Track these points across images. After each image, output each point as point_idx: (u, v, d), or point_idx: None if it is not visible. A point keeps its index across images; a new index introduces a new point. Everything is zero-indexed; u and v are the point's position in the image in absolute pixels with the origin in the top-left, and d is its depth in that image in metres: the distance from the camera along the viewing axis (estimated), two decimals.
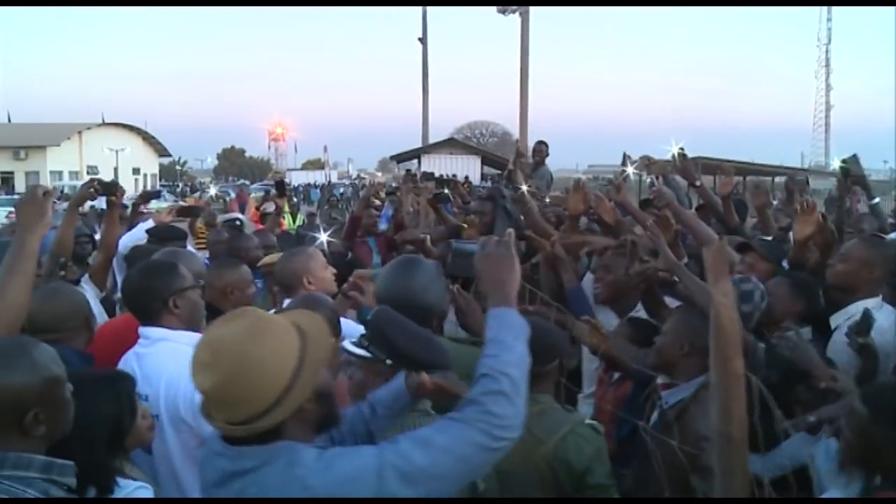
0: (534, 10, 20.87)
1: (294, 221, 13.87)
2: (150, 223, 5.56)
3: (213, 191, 18.82)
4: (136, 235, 5.46)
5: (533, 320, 2.65)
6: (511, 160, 9.19)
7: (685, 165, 5.18)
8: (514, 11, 20.50)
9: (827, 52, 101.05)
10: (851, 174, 4.96)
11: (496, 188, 6.29)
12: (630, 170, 6.09)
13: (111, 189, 4.33)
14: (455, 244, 3.21)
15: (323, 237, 5.16)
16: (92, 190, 4.26)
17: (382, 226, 7.47)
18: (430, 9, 49.00)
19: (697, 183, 5.14)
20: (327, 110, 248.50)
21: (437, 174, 18.61)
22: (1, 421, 1.81)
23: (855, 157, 5.04)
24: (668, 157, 5.43)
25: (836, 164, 5.13)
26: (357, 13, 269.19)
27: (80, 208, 4.85)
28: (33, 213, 2.46)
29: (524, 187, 7.01)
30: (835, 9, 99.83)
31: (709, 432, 2.23)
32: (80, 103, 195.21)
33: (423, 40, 48.55)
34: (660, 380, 3.36)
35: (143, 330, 2.77)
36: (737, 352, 1.92)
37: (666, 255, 3.50)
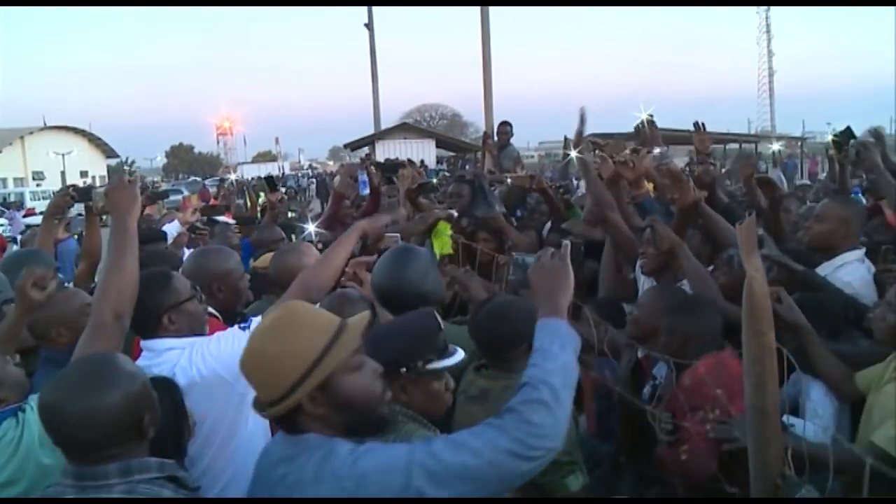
0: None
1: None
2: (175, 224, 5.59)
3: (232, 176, 17.52)
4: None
5: (495, 310, 2.83)
6: (481, 142, 9.45)
7: (653, 132, 5.29)
8: None
9: (767, 17, 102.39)
10: (861, 156, 4.34)
11: (478, 171, 6.35)
12: (574, 153, 6.15)
13: (88, 195, 4.25)
14: (517, 256, 3.20)
15: (311, 228, 5.05)
16: (68, 197, 4.23)
17: (364, 191, 7.38)
18: None
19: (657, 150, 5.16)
20: (275, 101, 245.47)
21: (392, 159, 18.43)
22: (125, 430, 1.93)
23: (849, 130, 4.55)
24: (635, 125, 5.55)
25: (829, 139, 4.87)
26: (300, 3, 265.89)
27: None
28: (127, 198, 2.66)
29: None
30: None
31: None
32: (19, 105, 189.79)
33: (369, 26, 48.18)
34: (640, 353, 3.52)
35: (144, 343, 2.67)
36: (770, 326, 1.98)
37: (668, 236, 3.58)
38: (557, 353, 1.86)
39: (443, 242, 5.07)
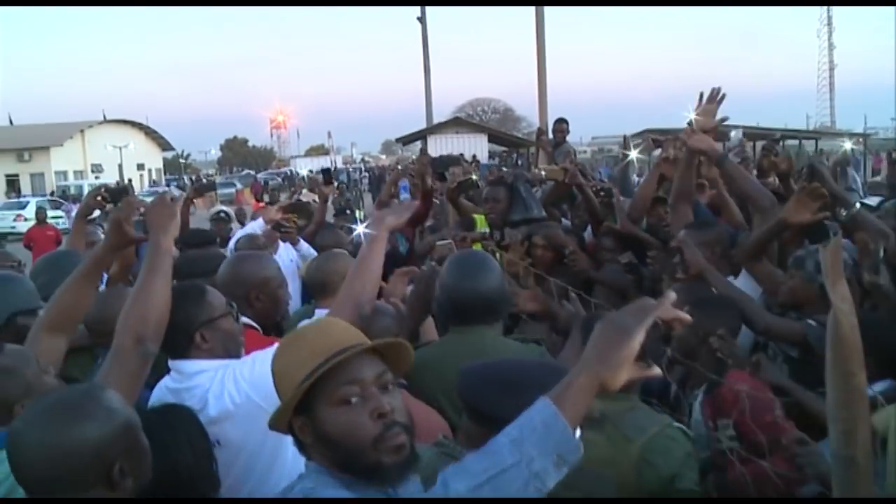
0: None
1: None
2: (259, 222, 5.35)
3: (304, 171, 16.82)
4: (247, 233, 5.27)
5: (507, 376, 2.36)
6: (535, 138, 9.15)
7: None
8: None
9: (828, 10, 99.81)
10: None
11: (517, 172, 5.82)
12: (634, 154, 5.77)
13: (121, 195, 3.90)
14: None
15: (360, 229, 4.80)
16: (100, 198, 3.97)
17: (405, 195, 7.19)
18: None
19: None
20: (328, 95, 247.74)
21: (443, 153, 18.03)
22: (86, 479, 1.69)
23: None
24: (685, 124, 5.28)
25: None
26: None
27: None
28: (164, 215, 2.50)
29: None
30: None
31: None
32: (80, 101, 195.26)
33: (421, 19, 48.07)
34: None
35: (173, 364, 2.48)
36: (860, 365, 1.64)
37: (695, 261, 3.39)
38: (507, 458, 1.47)
39: None
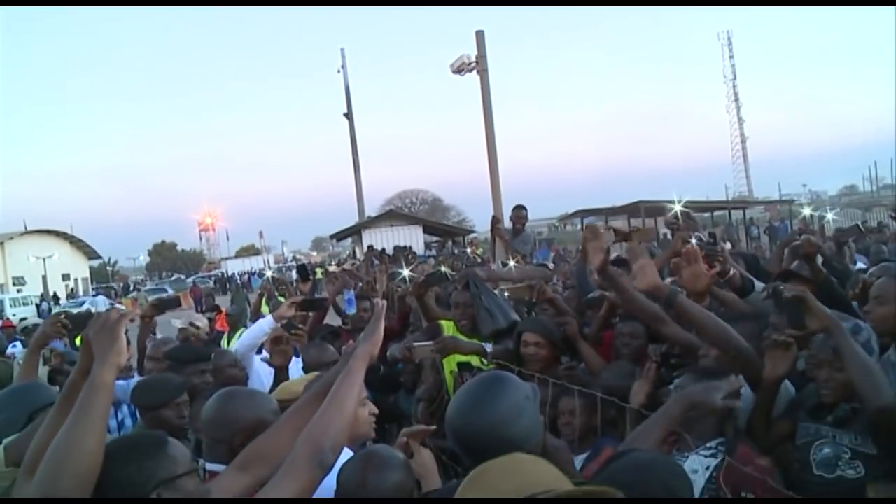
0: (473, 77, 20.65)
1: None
2: (269, 320, 4.64)
3: (269, 273, 15.86)
4: (255, 334, 4.63)
5: (637, 478, 2.04)
6: (490, 227, 8.89)
7: (687, 223, 5.16)
8: (471, 70, 20.37)
9: (734, 86, 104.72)
10: None
11: (469, 273, 5.12)
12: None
13: (85, 322, 3.60)
14: None
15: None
16: (59, 325, 3.63)
17: (351, 309, 6.76)
18: (352, 83, 49.35)
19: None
20: (256, 195, 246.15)
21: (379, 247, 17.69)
22: None
23: None
24: (672, 213, 5.33)
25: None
26: (280, 93, 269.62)
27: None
28: (104, 341, 2.09)
29: (511, 263, 6.57)
30: (735, 44, 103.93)
31: None
32: None
33: (348, 115, 48.70)
34: None
35: None
36: None
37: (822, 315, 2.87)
38: None
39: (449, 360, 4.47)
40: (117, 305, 20.95)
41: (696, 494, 2.61)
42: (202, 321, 7.10)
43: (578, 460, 3.40)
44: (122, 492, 1.95)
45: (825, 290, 3.86)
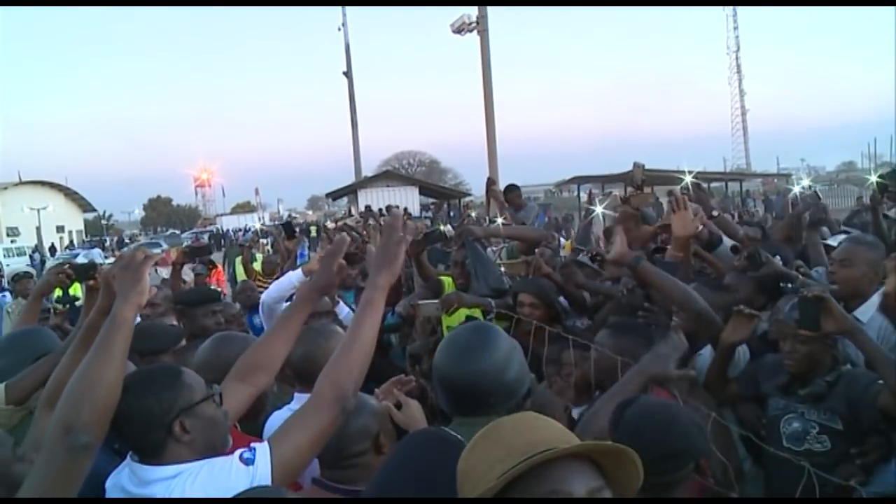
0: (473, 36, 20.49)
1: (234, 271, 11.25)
2: (298, 274, 4.54)
3: (257, 225, 15.24)
4: (283, 286, 4.49)
5: (659, 420, 2.18)
6: (485, 188, 8.79)
7: (700, 196, 5.02)
8: (471, 30, 20.22)
9: (737, 58, 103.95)
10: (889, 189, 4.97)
11: (463, 231, 4.93)
12: (599, 209, 5.65)
13: (88, 273, 3.55)
14: None
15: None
16: (63, 276, 3.62)
17: (303, 259, 6.62)
18: (352, 42, 48.88)
19: (715, 213, 4.88)
20: (253, 152, 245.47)
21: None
22: None
23: (894, 172, 4.99)
24: (682, 185, 5.31)
25: (873, 179, 5.34)
26: (280, 51, 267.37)
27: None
28: (128, 280, 2.12)
29: (499, 220, 6.50)
30: (740, 16, 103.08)
31: None
32: None
33: (347, 74, 48.31)
34: None
35: (132, 466, 2.05)
36: None
37: (842, 318, 2.92)
38: None
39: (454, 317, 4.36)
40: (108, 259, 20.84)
41: None
42: (188, 275, 7.08)
43: (577, 412, 3.45)
44: (145, 422, 2.00)
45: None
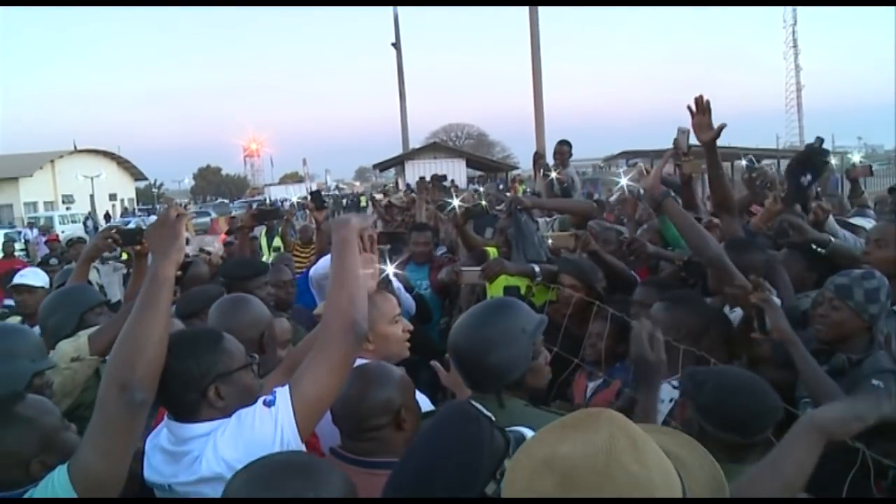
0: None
1: (270, 245, 11.39)
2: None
3: (294, 198, 14.97)
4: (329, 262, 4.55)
5: (744, 382, 2.24)
6: (532, 163, 8.75)
7: (761, 175, 5.14)
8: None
9: (794, 32, 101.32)
10: None
11: (514, 198, 4.97)
12: (624, 181, 5.52)
13: (135, 238, 3.63)
14: None
15: (389, 269, 3.96)
16: (110, 241, 3.69)
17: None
18: (401, 12, 48.65)
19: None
20: (302, 123, 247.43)
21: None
22: None
23: None
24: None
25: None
26: (328, 22, 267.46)
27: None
28: (165, 237, 2.13)
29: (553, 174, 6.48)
30: None
31: None
32: (50, 130, 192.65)
33: (396, 45, 48.12)
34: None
35: (169, 425, 2.10)
36: None
37: (782, 329, 2.91)
38: None
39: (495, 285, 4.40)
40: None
41: (658, 423, 2.57)
42: (214, 245, 7.09)
43: (591, 387, 3.54)
44: (182, 384, 2.03)
45: None
